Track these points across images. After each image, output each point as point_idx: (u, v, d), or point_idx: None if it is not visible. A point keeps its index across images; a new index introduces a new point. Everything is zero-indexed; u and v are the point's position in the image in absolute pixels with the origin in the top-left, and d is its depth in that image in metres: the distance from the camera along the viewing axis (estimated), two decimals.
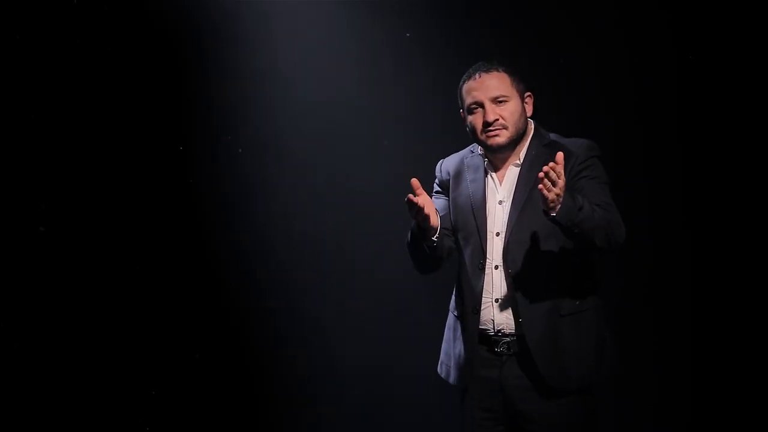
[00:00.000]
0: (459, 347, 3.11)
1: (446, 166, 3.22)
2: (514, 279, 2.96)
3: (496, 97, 2.96)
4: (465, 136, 3.15)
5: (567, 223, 2.74)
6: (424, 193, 2.89)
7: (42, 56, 4.14)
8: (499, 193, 3.04)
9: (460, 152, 3.22)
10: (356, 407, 4.40)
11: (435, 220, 2.91)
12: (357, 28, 4.24)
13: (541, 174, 2.66)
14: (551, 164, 2.66)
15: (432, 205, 2.92)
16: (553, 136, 3.09)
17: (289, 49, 4.30)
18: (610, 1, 4.00)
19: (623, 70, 4.02)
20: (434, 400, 4.19)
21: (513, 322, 2.98)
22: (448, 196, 3.17)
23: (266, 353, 4.46)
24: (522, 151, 3.04)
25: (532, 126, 3.09)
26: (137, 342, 4.29)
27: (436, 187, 3.25)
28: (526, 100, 3.04)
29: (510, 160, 3.05)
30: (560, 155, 2.69)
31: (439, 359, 3.27)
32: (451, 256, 3.14)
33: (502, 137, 2.97)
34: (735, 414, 3.96)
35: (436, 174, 3.25)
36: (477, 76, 3.00)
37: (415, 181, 2.85)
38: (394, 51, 4.24)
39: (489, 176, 3.07)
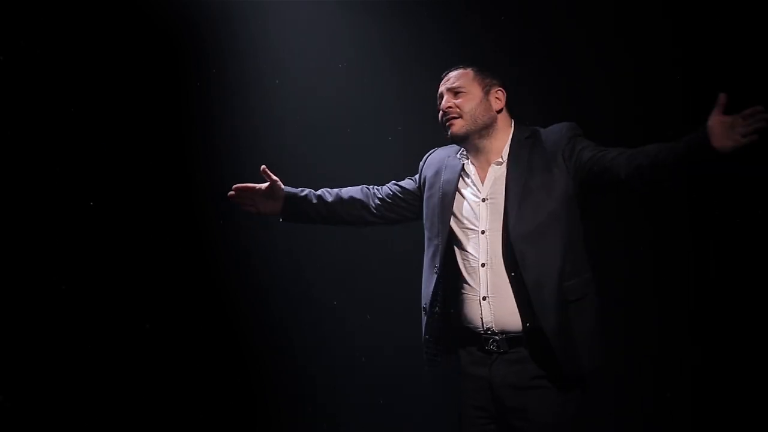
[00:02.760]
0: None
1: (429, 163, 3.31)
2: (516, 275, 2.97)
3: (452, 89, 3.15)
4: None
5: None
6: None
7: (43, 54, 4.15)
8: (482, 192, 3.09)
9: (448, 148, 3.30)
10: (356, 407, 4.40)
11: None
12: (357, 28, 4.25)
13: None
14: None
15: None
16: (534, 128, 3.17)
17: (289, 49, 4.30)
18: (610, 1, 4.01)
19: (623, 70, 4.02)
20: (434, 399, 4.19)
21: (506, 319, 3.00)
22: (412, 189, 3.35)
23: (266, 353, 4.46)
24: (504, 149, 3.12)
25: (512, 124, 3.17)
26: (136, 342, 4.28)
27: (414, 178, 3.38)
28: (496, 94, 3.15)
29: (491, 158, 3.13)
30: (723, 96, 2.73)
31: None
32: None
33: (456, 126, 3.12)
34: (735, 412, 3.96)
35: (420, 167, 3.34)
36: (445, 74, 3.22)
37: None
38: (394, 51, 4.24)
39: (468, 175, 3.14)
